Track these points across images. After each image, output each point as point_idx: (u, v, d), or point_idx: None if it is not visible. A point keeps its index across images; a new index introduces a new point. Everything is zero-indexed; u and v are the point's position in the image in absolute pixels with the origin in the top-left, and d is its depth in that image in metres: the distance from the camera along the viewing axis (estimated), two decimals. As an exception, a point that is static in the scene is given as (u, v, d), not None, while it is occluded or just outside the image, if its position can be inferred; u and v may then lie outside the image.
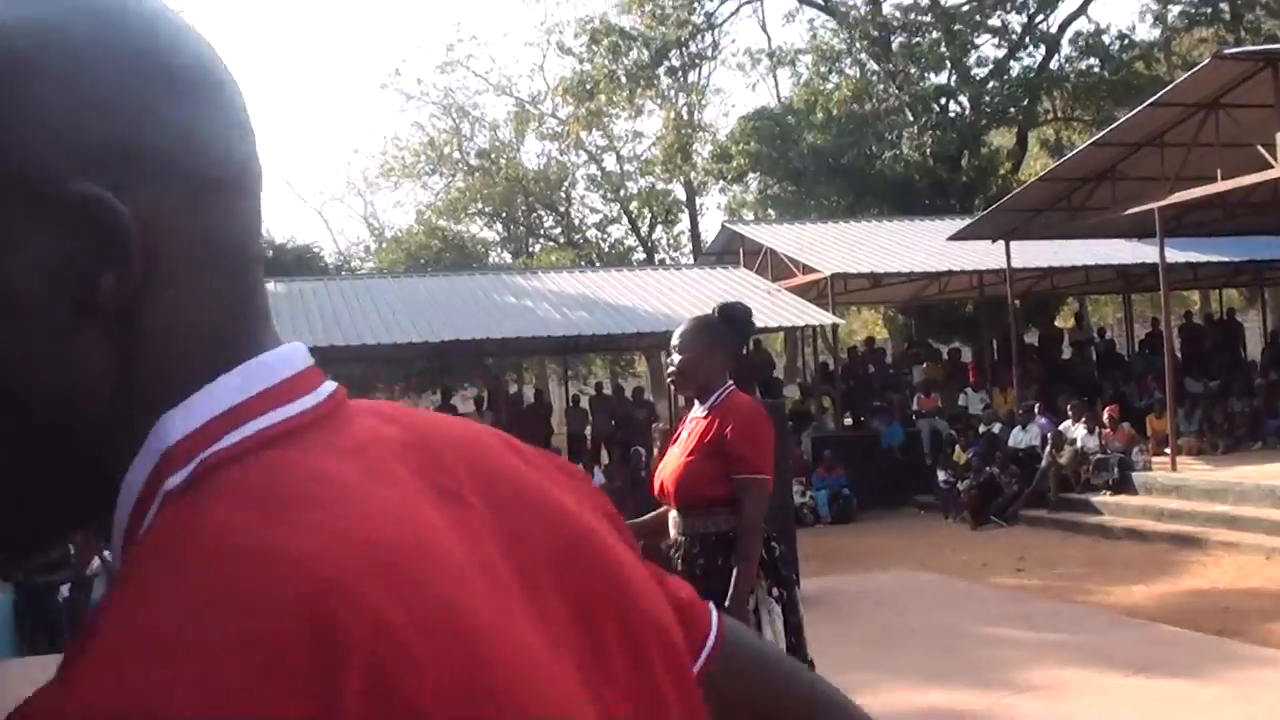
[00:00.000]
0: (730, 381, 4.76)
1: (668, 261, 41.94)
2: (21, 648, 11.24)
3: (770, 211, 34.95)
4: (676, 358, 4.73)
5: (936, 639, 8.42)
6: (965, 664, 7.64)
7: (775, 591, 4.52)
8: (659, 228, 49.62)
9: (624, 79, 38.73)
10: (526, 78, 78.46)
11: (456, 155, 51.20)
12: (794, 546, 10.29)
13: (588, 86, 39.52)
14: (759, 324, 23.63)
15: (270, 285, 24.70)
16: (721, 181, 39.59)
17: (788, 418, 24.22)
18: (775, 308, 24.28)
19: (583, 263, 41.75)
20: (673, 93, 43.22)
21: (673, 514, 4.71)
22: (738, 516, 4.49)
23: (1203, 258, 25.43)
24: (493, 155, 50.64)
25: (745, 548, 4.44)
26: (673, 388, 4.97)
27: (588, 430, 25.25)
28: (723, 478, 4.51)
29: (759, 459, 4.51)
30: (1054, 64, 36.18)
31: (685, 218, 48.54)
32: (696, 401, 4.76)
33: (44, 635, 11.29)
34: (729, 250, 29.17)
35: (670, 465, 4.72)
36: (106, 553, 11.37)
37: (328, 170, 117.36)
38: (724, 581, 4.39)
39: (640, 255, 47.37)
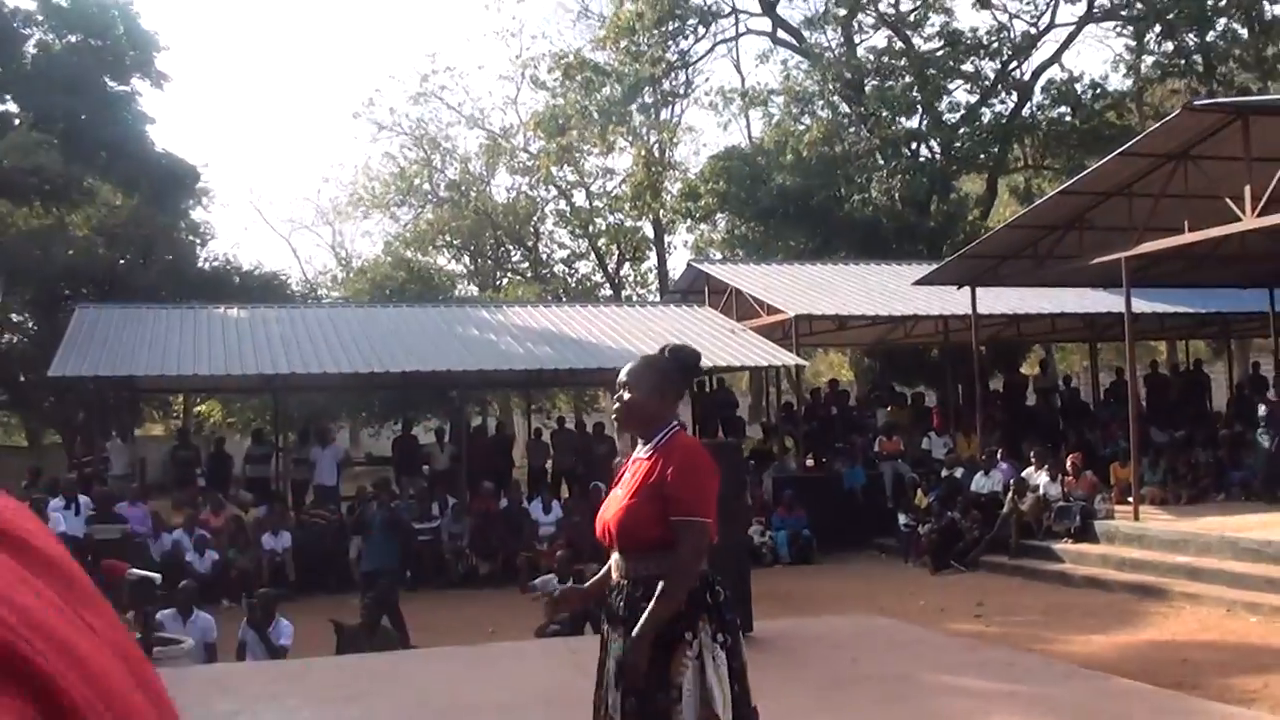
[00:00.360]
0: (675, 422, 4.63)
1: (634, 298, 41.77)
2: None
3: (738, 251, 34.79)
4: (625, 395, 4.58)
5: (888, 687, 8.20)
6: (916, 713, 7.43)
7: (720, 636, 4.32)
8: (627, 265, 49.61)
9: (596, 114, 38.62)
10: (500, 111, 78.39)
11: (426, 187, 51.12)
12: (747, 588, 10.12)
13: (559, 121, 39.42)
14: (722, 362, 23.70)
15: (232, 311, 24.77)
16: (689, 220, 39.49)
17: (749, 457, 24.29)
18: (739, 347, 24.18)
19: (549, 297, 41.60)
20: (644, 130, 43.18)
21: (615, 556, 4.56)
22: (672, 557, 4.30)
23: (1169, 308, 25.47)
24: (463, 188, 50.54)
25: (668, 586, 4.27)
26: (617, 425, 4.79)
27: (549, 464, 25.09)
28: (665, 520, 4.36)
29: (697, 501, 4.35)
30: (1026, 111, 36.18)
31: (653, 255, 48.54)
32: (640, 441, 4.61)
33: None
34: (694, 289, 29.06)
35: (613, 507, 4.58)
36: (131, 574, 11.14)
37: (297, 198, 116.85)
38: (667, 627, 4.27)
39: (607, 292, 47.27)
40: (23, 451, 37.65)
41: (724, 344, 24.36)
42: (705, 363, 22.69)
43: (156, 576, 4.54)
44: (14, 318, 34.69)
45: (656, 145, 43.79)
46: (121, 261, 33.52)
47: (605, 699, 4.42)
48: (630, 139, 43.05)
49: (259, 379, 23.34)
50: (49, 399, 31.77)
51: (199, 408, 44.07)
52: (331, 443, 25.29)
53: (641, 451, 4.57)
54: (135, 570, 4.71)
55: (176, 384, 25.56)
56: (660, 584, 4.29)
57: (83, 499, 18.06)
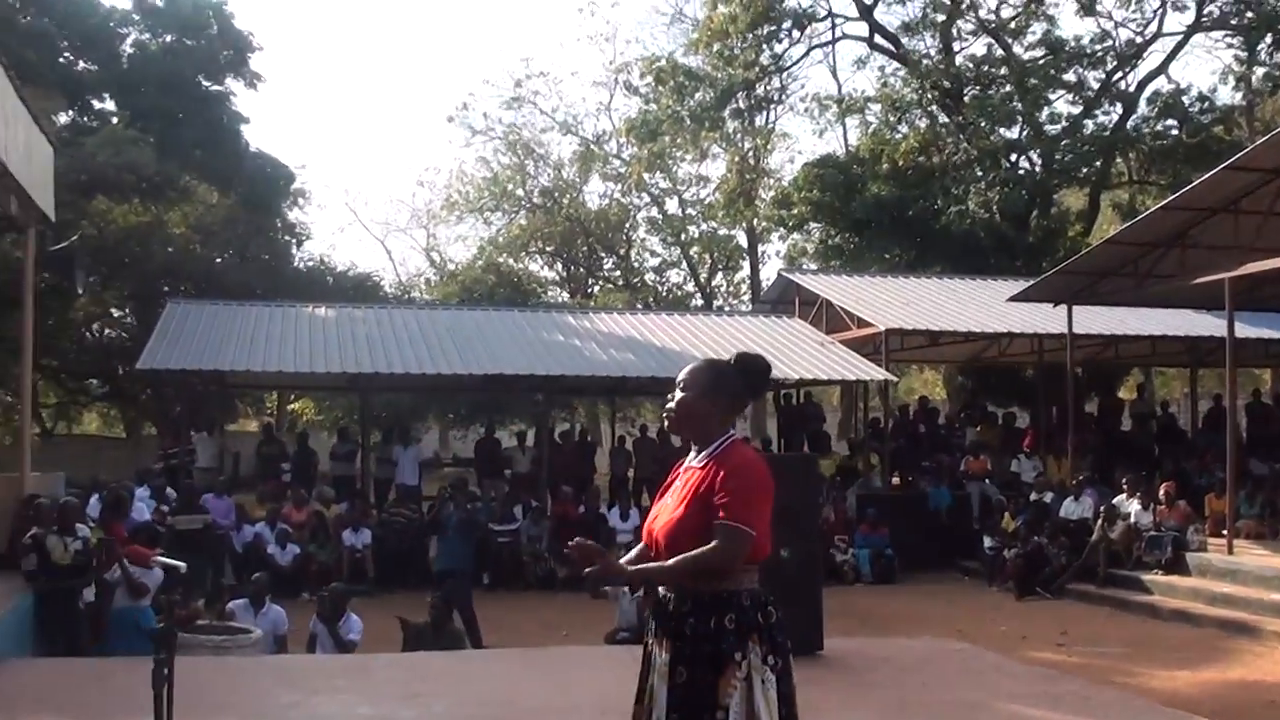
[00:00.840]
0: (733, 432, 4.38)
1: (726, 309, 41.49)
2: (40, 648, 11.25)
3: (832, 262, 34.33)
4: (678, 394, 4.38)
5: (955, 714, 7.92)
6: (984, 744, 7.15)
7: (771, 659, 4.12)
8: (719, 274, 49.38)
9: (689, 120, 38.28)
10: (593, 117, 78.51)
11: (520, 192, 51.23)
12: (818, 605, 9.86)
13: (652, 127, 39.24)
14: (809, 375, 23.42)
15: (320, 310, 24.90)
16: (782, 229, 39.11)
17: (835, 474, 23.98)
18: (827, 360, 23.89)
19: (639, 305, 41.47)
20: (738, 136, 42.84)
21: None
22: (708, 553, 4.12)
23: (1275, 334, 24.73)
24: (555, 194, 50.61)
25: (679, 564, 4.15)
26: (667, 426, 4.57)
27: (630, 471, 24.94)
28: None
29: (743, 510, 4.11)
30: (1130, 124, 35.16)
31: (747, 265, 48.20)
32: (693, 449, 4.39)
33: (63, 637, 11.33)
34: (784, 299, 28.77)
35: (661, 517, 4.36)
36: (156, 561, 11.25)
37: (393, 201, 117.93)
38: (715, 645, 4.11)
39: (699, 301, 47.03)
40: (122, 443, 38.30)
41: (812, 356, 24.06)
42: (791, 375, 22.74)
43: (181, 565, 4.48)
44: (114, 312, 35.24)
45: (750, 152, 43.43)
46: (218, 260, 33.91)
47: (646, 713, 4.24)
48: (724, 145, 42.83)
49: (345, 377, 23.43)
50: (146, 392, 32.22)
51: (291, 405, 44.60)
52: (415, 443, 25.39)
53: (695, 460, 4.35)
54: (159, 558, 4.68)
55: (263, 380, 25.69)
56: (719, 601, 4.15)
57: (168, 490, 18.17)
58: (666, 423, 4.53)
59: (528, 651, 11.55)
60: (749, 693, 4.05)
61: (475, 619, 14.57)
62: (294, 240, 42.25)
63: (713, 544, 4.09)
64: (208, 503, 18.60)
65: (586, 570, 4.22)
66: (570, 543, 4.24)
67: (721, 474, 4.18)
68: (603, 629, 13.47)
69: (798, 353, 24.18)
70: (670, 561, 4.17)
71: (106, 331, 36.48)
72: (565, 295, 52.45)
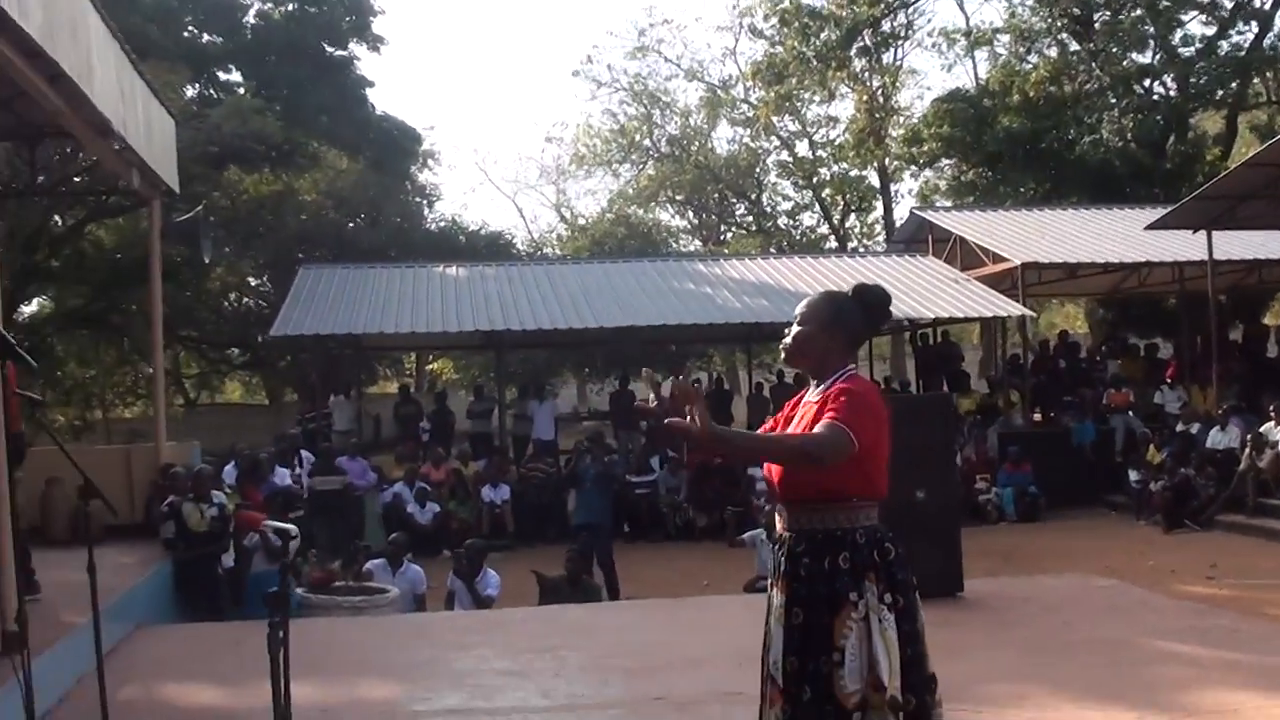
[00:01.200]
0: (852, 366, 4.26)
1: (860, 250, 40.99)
2: (181, 613, 11.47)
3: (965, 198, 33.72)
4: (795, 327, 4.29)
5: (1101, 652, 7.71)
6: (1127, 682, 6.93)
7: (888, 597, 3.99)
8: (852, 215, 48.76)
9: (815, 61, 37.87)
10: (718, 62, 77.94)
11: (647, 143, 51.08)
12: (957, 546, 9.71)
13: (778, 70, 38.76)
14: (945, 314, 23.07)
15: (451, 270, 25.13)
16: (913, 166, 38.54)
17: (975, 412, 23.60)
18: (963, 298, 23.48)
19: (773, 250, 41.15)
20: (865, 75, 42.24)
21: (779, 507, 4.26)
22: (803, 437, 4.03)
23: None
24: (683, 142, 50.38)
25: (781, 438, 4.14)
26: (785, 360, 4.46)
27: (768, 419, 24.72)
28: (832, 469, 3.98)
29: (849, 417, 3.96)
30: (1266, 42, 33.77)
31: (880, 205, 47.58)
32: (811, 383, 4.28)
33: (203, 602, 11.58)
34: (918, 238, 28.37)
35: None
36: (266, 526, 11.45)
37: (521, 158, 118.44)
38: (829, 585, 3.99)
39: (833, 244, 46.53)
40: (264, 410, 39.11)
41: (948, 295, 23.69)
42: (927, 314, 22.40)
43: (292, 528, 4.54)
44: (251, 281, 35.91)
45: (878, 90, 42.82)
46: (350, 224, 34.34)
47: (766, 659, 4.16)
48: (851, 85, 42.25)
49: (479, 336, 23.60)
50: (284, 358, 32.82)
51: (430, 365, 45.16)
52: (550, 398, 25.54)
53: (813, 394, 4.23)
54: (270, 522, 4.76)
55: (397, 341, 25.98)
56: (834, 541, 4.04)
57: (305, 454, 18.50)
58: (784, 356, 4.42)
59: (665, 602, 11.56)
60: (866, 633, 3.93)
61: (615, 571, 14.65)
62: (425, 202, 42.69)
63: (812, 432, 4.01)
64: (342, 464, 18.92)
65: (668, 421, 4.00)
66: (674, 382, 4.10)
67: (832, 392, 4.08)
68: (743, 578, 13.42)
69: (933, 291, 23.81)
70: (761, 433, 4.11)
71: (244, 301, 37.21)
72: (697, 244, 52.27)
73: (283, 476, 16.69)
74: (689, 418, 3.85)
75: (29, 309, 34.90)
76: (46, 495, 12.63)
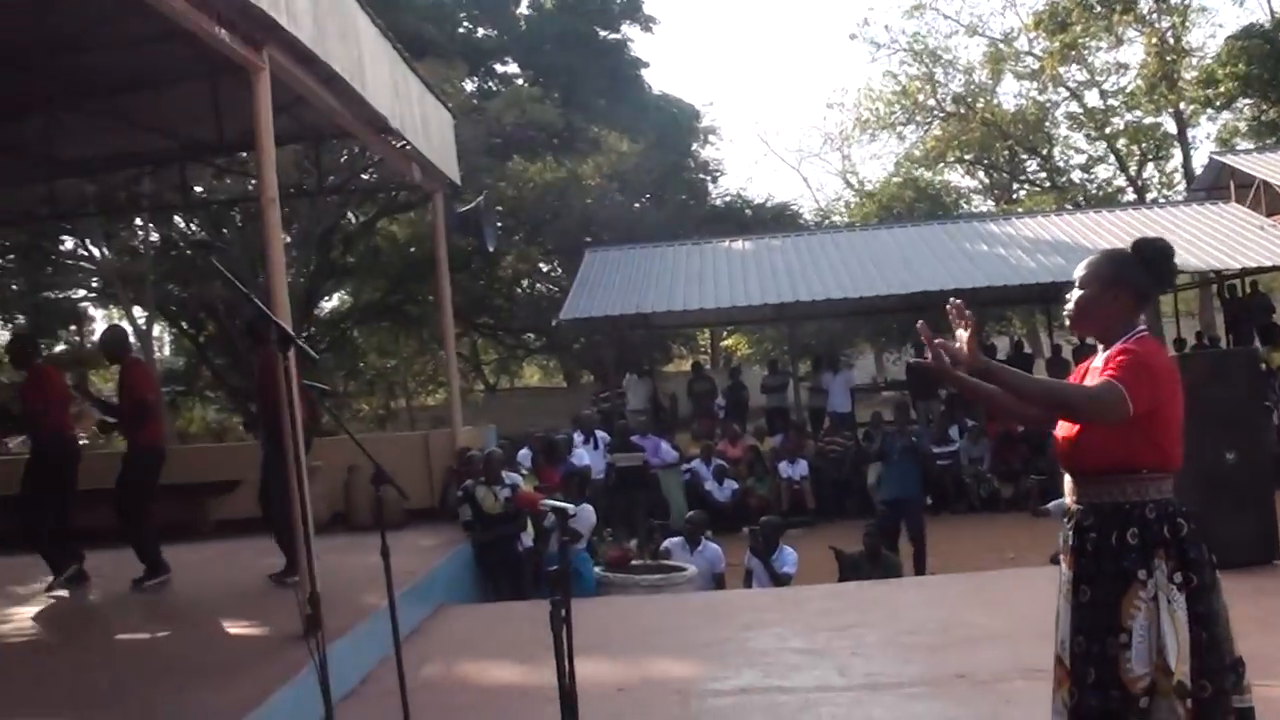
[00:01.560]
0: (1142, 326, 4.01)
1: (1159, 201, 39.18)
2: (484, 593, 11.72)
3: (1267, 140, 31.87)
4: (1076, 291, 4.07)
5: None
6: None
7: (1178, 576, 3.72)
8: (1149, 165, 46.62)
9: (1098, 6, 36.40)
10: (998, 15, 75.53)
11: (931, 102, 49.92)
12: (1271, 513, 9.03)
13: (1061, 18, 37.39)
14: (1251, 263, 21.76)
15: (737, 244, 25.09)
16: (1210, 109, 36.64)
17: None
18: (1271, 245, 22.13)
19: (1069, 207, 39.69)
20: (1153, 16, 40.47)
21: (1067, 480, 4.06)
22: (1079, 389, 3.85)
23: None
24: (968, 99, 49.07)
25: (1054, 384, 4.00)
26: (1070, 327, 4.18)
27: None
28: (1121, 438, 3.78)
29: (1128, 375, 3.72)
30: None
31: (1178, 152, 45.39)
32: (1099, 347, 4.04)
33: (505, 582, 11.80)
34: (1218, 184, 26.94)
35: (1065, 422, 4.01)
36: (556, 504, 11.57)
37: (804, 127, 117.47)
38: (1117, 561, 3.78)
39: (1131, 196, 44.62)
40: (561, 392, 40.01)
41: (1254, 243, 22.38)
42: (1233, 264, 21.17)
43: (570, 507, 4.53)
44: (542, 267, 36.64)
45: (1168, 31, 40.87)
46: (635, 205, 34.67)
47: (1056, 638, 3.99)
48: (1138, 28, 40.51)
49: (769, 309, 23.46)
50: (578, 341, 33.39)
51: (724, 341, 45.31)
52: (845, 369, 25.22)
53: (1100, 360, 3.99)
54: (548, 501, 4.76)
55: (686, 318, 26.05)
56: (1122, 515, 3.80)
57: (600, 434, 18.68)
58: (1068, 322, 4.18)
59: (967, 576, 11.19)
60: (1155, 614, 3.69)
61: (925, 546, 14.35)
62: (709, 178, 42.80)
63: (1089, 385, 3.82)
64: (637, 442, 19.02)
65: (936, 341, 3.96)
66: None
67: (1113, 352, 3.87)
68: (1048, 549, 12.86)
69: (1238, 240, 22.54)
70: (1034, 376, 3.94)
71: (536, 286, 38.02)
72: (989, 204, 50.88)
73: (580, 457, 16.85)
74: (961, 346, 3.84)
75: (329, 304, 36.52)
76: (349, 483, 13.06)
